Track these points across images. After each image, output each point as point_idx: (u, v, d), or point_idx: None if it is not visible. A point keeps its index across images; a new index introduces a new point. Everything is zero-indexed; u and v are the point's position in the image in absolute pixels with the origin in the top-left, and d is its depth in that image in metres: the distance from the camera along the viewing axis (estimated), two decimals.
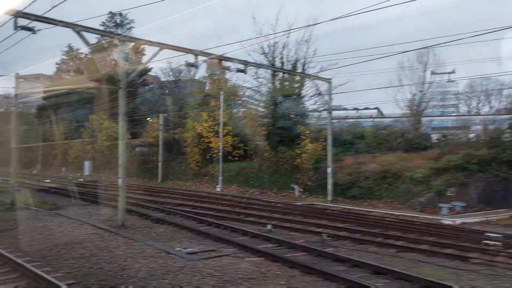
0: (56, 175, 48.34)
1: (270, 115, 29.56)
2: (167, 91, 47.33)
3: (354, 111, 53.29)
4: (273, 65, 28.66)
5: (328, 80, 23.88)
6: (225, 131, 35.15)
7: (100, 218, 17.64)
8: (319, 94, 23.36)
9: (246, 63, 19.57)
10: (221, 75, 49.16)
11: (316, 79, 23.04)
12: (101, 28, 57.69)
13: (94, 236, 12.90)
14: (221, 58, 18.20)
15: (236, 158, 35.23)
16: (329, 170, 23.65)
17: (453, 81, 60.77)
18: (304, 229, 15.57)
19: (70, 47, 69.16)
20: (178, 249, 11.47)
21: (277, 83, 30.10)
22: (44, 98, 71.57)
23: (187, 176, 37.17)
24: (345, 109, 49.30)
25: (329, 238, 13.47)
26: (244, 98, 37.47)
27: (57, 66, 69.06)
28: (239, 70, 19.21)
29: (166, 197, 26.81)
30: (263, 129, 29.93)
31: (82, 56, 65.41)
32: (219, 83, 47.10)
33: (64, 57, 68.61)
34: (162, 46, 16.30)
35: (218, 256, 10.74)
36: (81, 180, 41.93)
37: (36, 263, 9.84)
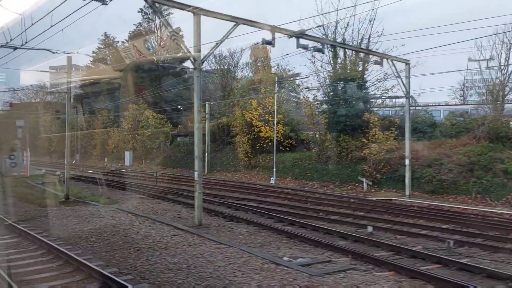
0: (97, 165, 47.64)
1: (331, 101, 27.21)
2: (210, 79, 45.41)
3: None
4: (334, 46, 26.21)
5: (406, 61, 21.32)
6: (276, 119, 33.08)
7: (168, 214, 15.97)
8: (397, 76, 20.79)
9: (324, 41, 17.31)
10: (265, 61, 47.23)
11: (394, 60, 20.51)
12: (140, 14, 56.50)
13: (177, 239, 11.09)
14: (299, 36, 15.98)
15: (287, 148, 33.15)
16: (407, 161, 21.21)
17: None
18: (407, 231, 13.33)
19: (106, 35, 68.45)
20: (286, 258, 9.49)
21: (337, 66, 27.65)
22: (81, 87, 71.57)
23: (235, 167, 35.34)
24: (378, 97, 44.77)
25: (455, 245, 11.20)
26: (297, 84, 35.13)
27: (94, 55, 68.53)
28: (316, 50, 17.00)
29: (222, 190, 25.04)
30: (323, 117, 27.60)
31: (119, 44, 64.81)
32: (264, 70, 45.10)
33: (100, 46, 67.97)
34: (239, 21, 14.28)
35: (343, 271, 8.68)
36: (123, 170, 40.86)
37: (128, 277, 8.07)
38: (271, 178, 29.39)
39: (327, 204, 19.05)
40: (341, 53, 27.38)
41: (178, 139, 51.50)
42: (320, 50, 17.15)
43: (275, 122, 30.27)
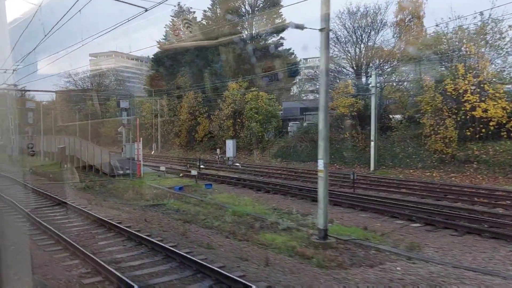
0: (202, 158, 38.04)
1: None
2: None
3: None
4: None
5: None
6: (494, 92, 22.13)
7: None
8: None
9: None
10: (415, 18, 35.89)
11: None
12: None
13: None
14: None
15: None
16: None
17: None
18: None
19: (180, 6, 58.92)
20: None
21: None
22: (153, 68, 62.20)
23: (424, 163, 24.43)
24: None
25: None
26: None
27: (166, 29, 59.31)
28: None
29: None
30: None
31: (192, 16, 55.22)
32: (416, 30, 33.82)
33: (175, 19, 58.56)
34: None
35: None
36: (237, 165, 30.77)
37: None
38: None
39: None
40: None
41: (290, 123, 41.13)
42: None
43: None
